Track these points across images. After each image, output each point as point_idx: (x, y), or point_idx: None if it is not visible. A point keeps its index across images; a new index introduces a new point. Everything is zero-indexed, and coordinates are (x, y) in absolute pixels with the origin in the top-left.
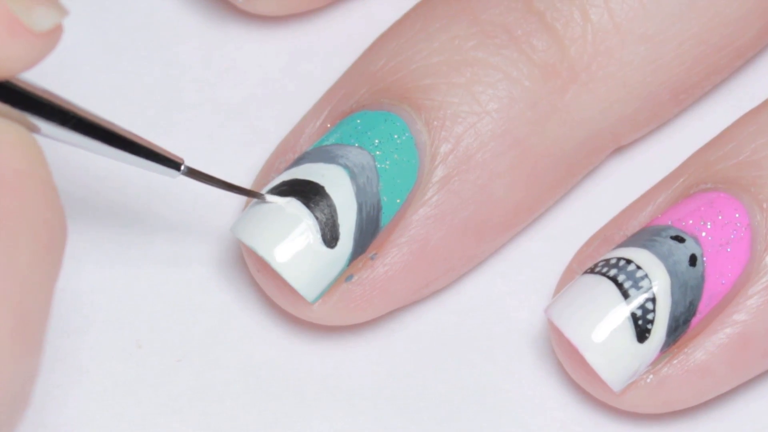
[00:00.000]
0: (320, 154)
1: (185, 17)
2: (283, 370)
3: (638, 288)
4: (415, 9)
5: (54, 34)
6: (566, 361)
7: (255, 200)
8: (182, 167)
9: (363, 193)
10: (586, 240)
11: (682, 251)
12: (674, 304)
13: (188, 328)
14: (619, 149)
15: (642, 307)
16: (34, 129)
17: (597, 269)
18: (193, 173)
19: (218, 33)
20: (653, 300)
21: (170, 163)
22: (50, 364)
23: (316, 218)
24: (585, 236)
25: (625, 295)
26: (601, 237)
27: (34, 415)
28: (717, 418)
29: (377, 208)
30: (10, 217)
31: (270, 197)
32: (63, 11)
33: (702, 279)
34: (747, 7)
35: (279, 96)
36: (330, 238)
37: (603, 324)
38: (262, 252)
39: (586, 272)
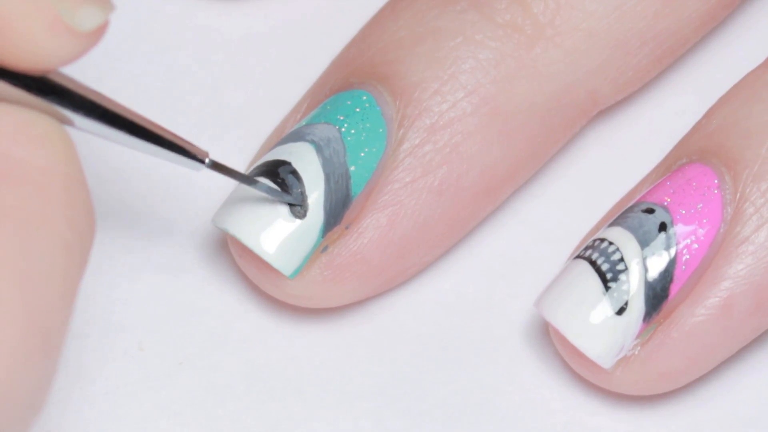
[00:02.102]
0: (290, 136)
1: (186, 21)
2: (284, 373)
3: (610, 262)
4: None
5: (98, 33)
6: (562, 350)
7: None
8: (207, 160)
9: (330, 163)
10: (582, 238)
11: (652, 221)
12: (648, 272)
13: (190, 330)
14: (620, 152)
15: (615, 280)
16: (66, 121)
17: (577, 254)
18: (217, 167)
19: (219, 36)
20: (626, 272)
21: (196, 156)
22: None
23: (283, 192)
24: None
25: (599, 272)
26: (593, 232)
27: (37, 416)
28: (718, 418)
29: (346, 178)
30: (31, 216)
31: (290, 198)
32: (108, 9)
33: (674, 245)
34: None
35: (280, 99)
36: (299, 209)
37: (580, 304)
38: (234, 231)
39: (569, 260)
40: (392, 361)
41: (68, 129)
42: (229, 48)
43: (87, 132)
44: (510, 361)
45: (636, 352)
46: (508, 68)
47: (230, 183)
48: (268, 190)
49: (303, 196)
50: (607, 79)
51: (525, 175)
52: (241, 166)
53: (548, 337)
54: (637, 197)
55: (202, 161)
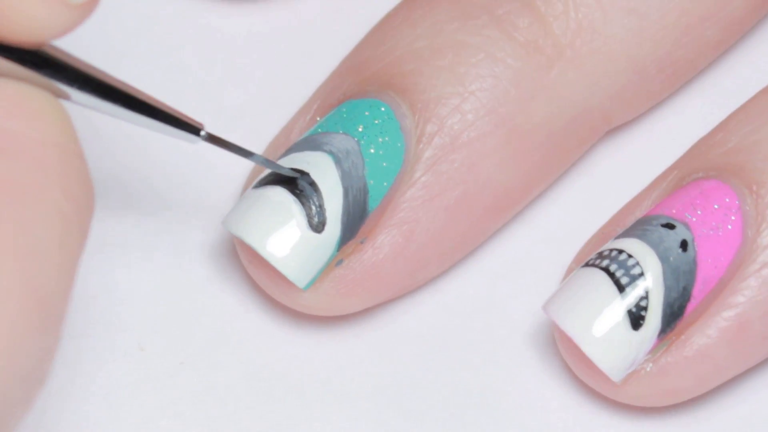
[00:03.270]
0: (306, 143)
1: (186, 21)
2: (285, 373)
3: (630, 276)
4: (400, 2)
5: (89, 5)
6: (568, 357)
7: (244, 192)
8: (202, 132)
9: (348, 177)
10: (586, 241)
11: (673, 237)
12: (667, 290)
13: (191, 330)
14: (619, 150)
15: (634, 294)
16: (62, 95)
17: (590, 262)
18: (213, 139)
19: (219, 36)
20: (645, 287)
21: (191, 128)
22: (52, 366)
23: (302, 204)
24: (586, 238)
25: (617, 284)
26: (599, 236)
27: (37, 416)
28: (721, 419)
29: (364, 192)
30: (30, 189)
31: (286, 170)
32: None
33: (694, 264)
34: None
35: (280, 99)
36: (317, 223)
37: (596, 314)
38: (250, 240)
39: (581, 267)
40: (392, 361)
41: (66, 106)
42: (229, 48)
43: (82, 105)
44: (510, 361)
45: (647, 369)
46: (527, 89)
47: (231, 184)
48: (265, 162)
49: (321, 209)
50: (622, 102)
51: (537, 191)
52: (241, 165)
53: (549, 338)
54: (647, 203)
55: (197, 134)
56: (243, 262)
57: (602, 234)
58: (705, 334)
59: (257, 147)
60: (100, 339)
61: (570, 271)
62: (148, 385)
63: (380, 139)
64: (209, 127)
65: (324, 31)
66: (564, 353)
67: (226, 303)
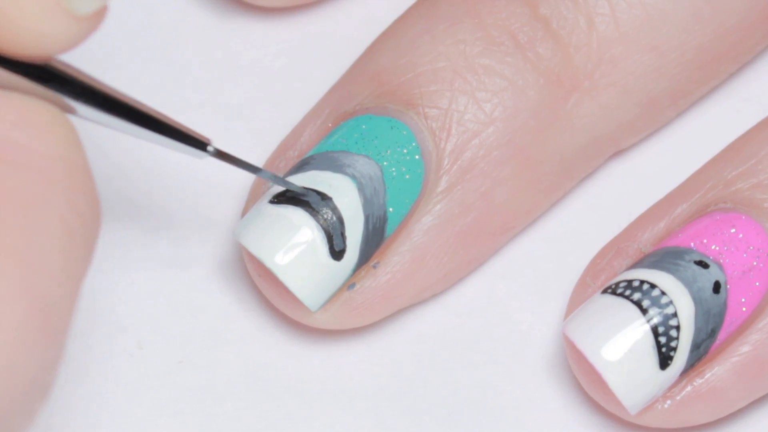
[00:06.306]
0: (327, 161)
1: (186, 18)
2: (284, 372)
3: (663, 315)
4: (417, 7)
5: (97, 17)
6: (582, 377)
7: (257, 202)
8: (210, 148)
9: (370, 204)
10: (598, 251)
11: (706, 278)
12: (697, 331)
13: (190, 329)
14: (623, 152)
15: (666, 334)
16: (69, 110)
17: (619, 290)
18: (220, 154)
19: (219, 34)
20: (677, 327)
21: (198, 144)
22: None
23: (323, 230)
24: (586, 237)
25: (650, 320)
26: (614, 249)
27: (43, 401)
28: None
29: (383, 220)
30: (38, 203)
31: (294, 186)
32: None
33: (724, 306)
34: (750, 16)
35: (280, 97)
36: (337, 250)
37: (627, 349)
38: (269, 263)
39: (606, 291)
40: (392, 360)
41: (72, 119)
42: (227, 47)
43: (89, 120)
44: (509, 360)
45: (665, 406)
46: (545, 119)
47: (231, 184)
48: (273, 178)
49: (342, 237)
50: (633, 130)
51: (543, 210)
52: None
53: (548, 336)
54: (666, 222)
55: (204, 149)
56: (251, 273)
57: (618, 249)
58: (722, 374)
59: (256, 146)
60: (99, 337)
61: (583, 284)
62: (147, 383)
63: (402, 168)
64: (209, 125)
65: (325, 29)
66: (577, 373)
67: (225, 302)
